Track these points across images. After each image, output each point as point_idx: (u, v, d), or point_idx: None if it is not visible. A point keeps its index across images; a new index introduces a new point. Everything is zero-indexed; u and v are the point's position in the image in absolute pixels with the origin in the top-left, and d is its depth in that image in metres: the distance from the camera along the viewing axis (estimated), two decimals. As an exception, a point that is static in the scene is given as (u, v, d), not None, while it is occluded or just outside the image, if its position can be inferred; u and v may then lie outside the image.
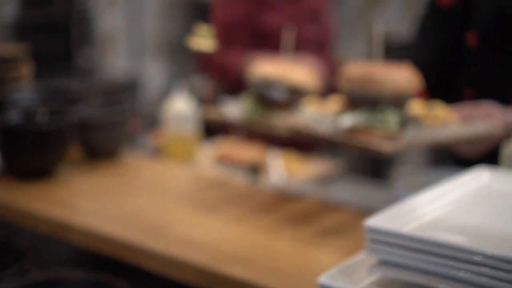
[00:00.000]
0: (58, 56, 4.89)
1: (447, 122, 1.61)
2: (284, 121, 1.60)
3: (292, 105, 1.64)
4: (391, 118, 1.46)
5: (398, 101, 1.49)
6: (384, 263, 1.03)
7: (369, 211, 1.33)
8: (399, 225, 1.03)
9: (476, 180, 1.25)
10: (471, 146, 1.76)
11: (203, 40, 1.63)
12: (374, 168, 4.44)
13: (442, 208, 1.12)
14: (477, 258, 0.93)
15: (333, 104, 1.65)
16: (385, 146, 1.41)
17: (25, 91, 2.19)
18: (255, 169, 2.11)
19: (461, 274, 0.94)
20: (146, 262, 1.42)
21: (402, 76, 1.49)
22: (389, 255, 1.01)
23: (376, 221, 1.03)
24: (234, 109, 1.68)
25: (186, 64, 5.85)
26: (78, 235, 1.54)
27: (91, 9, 5.06)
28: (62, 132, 1.84)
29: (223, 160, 2.23)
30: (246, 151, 2.26)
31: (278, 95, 1.62)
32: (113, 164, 2.00)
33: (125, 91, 4.85)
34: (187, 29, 5.74)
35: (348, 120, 1.47)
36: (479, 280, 0.93)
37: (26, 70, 2.28)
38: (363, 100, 1.48)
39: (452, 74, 2.08)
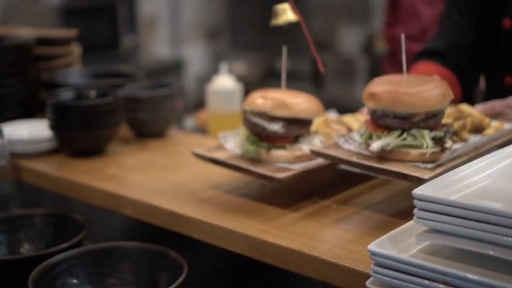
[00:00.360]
0: (104, 40, 4.98)
1: (483, 124, 1.54)
2: (285, 154, 1.50)
3: (292, 137, 1.52)
4: (427, 138, 1.36)
5: (432, 118, 1.38)
6: (432, 231, 1.05)
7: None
8: (447, 194, 1.05)
9: (524, 151, 1.26)
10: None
11: (290, 14, 1.60)
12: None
13: (489, 177, 1.13)
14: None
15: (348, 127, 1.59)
16: (425, 173, 1.30)
17: (75, 72, 2.26)
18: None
19: (509, 240, 0.96)
20: (195, 232, 1.46)
21: (435, 91, 1.37)
22: (437, 223, 1.04)
23: (424, 190, 1.06)
24: (232, 144, 1.58)
25: (226, 46, 5.88)
26: (130, 207, 1.59)
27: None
28: (111, 110, 1.90)
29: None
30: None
31: (274, 127, 1.50)
32: (161, 142, 2.05)
33: (169, 73, 4.91)
34: (226, 13, 5.79)
35: (379, 142, 1.37)
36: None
37: (75, 52, 2.34)
38: (393, 120, 1.37)
39: (489, 61, 2.03)
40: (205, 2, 6.09)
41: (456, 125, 1.52)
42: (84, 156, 1.90)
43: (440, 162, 1.35)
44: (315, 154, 1.44)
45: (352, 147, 1.44)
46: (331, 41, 5.31)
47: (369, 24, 5.51)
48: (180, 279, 1.34)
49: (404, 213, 1.39)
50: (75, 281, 1.46)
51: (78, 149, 1.91)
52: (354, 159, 1.39)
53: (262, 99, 1.50)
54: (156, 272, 1.47)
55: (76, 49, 2.36)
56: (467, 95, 2.10)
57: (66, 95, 1.97)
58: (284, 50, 1.57)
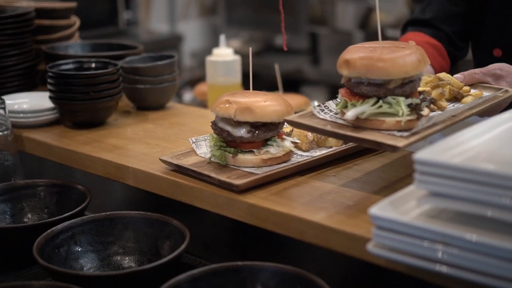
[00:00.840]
0: (103, 17, 4.96)
1: (462, 93, 1.54)
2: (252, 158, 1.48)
3: (260, 142, 1.50)
4: (403, 106, 1.32)
5: (407, 85, 1.35)
6: (433, 194, 1.07)
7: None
8: (447, 158, 1.07)
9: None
10: (490, 113, 1.64)
11: None
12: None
13: (488, 142, 1.15)
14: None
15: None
16: (400, 141, 1.28)
17: (75, 44, 2.27)
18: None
19: (507, 201, 0.98)
20: (197, 201, 1.48)
21: (410, 57, 1.33)
22: (438, 186, 1.05)
23: (424, 154, 1.07)
24: (204, 149, 1.58)
25: (222, 23, 5.87)
26: (132, 177, 1.61)
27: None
28: (112, 80, 1.90)
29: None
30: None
31: (239, 132, 1.48)
32: (161, 113, 2.06)
33: (166, 49, 4.90)
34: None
35: (354, 111, 1.34)
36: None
37: (75, 24, 2.34)
38: (368, 88, 1.34)
39: (478, 32, 2.04)
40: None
41: (434, 93, 1.50)
42: (85, 127, 1.91)
43: (416, 130, 1.33)
44: (290, 123, 1.42)
45: (328, 116, 1.42)
46: (328, 17, 5.29)
47: (366, -1, 5.49)
48: (182, 247, 1.36)
49: (403, 180, 1.41)
50: (78, 248, 1.48)
51: (79, 120, 1.92)
52: (328, 128, 1.36)
53: (227, 104, 1.48)
54: (158, 240, 1.49)
55: (75, 22, 2.36)
56: (455, 65, 2.13)
57: (67, 66, 1.98)
58: (250, 50, 1.55)
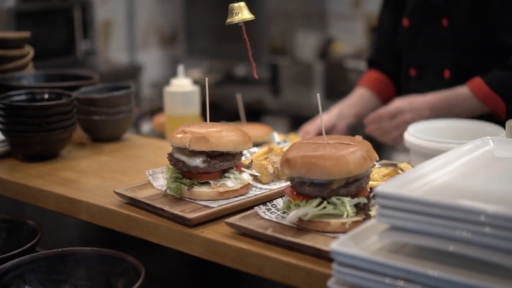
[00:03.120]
0: (60, 46, 4.90)
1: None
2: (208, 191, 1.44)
3: (216, 173, 1.46)
4: (347, 206, 1.25)
5: (353, 184, 1.27)
6: (394, 229, 1.05)
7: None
8: (408, 191, 1.05)
9: (481, 147, 1.27)
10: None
11: (245, 13, 1.55)
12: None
13: (448, 174, 1.14)
14: (481, 218, 0.95)
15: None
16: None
17: (29, 74, 2.21)
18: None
19: (469, 235, 0.96)
20: (152, 236, 1.43)
21: (354, 155, 1.25)
22: (398, 220, 1.03)
23: (385, 187, 1.05)
24: (161, 182, 1.54)
25: (182, 52, 5.85)
26: (85, 211, 1.55)
27: (90, 0, 5.05)
28: (66, 112, 1.85)
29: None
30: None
31: (194, 162, 1.44)
32: (117, 145, 2.02)
33: (125, 79, 4.85)
34: (182, 19, 5.77)
35: (296, 212, 1.27)
36: (483, 240, 0.95)
37: (28, 54, 2.29)
38: (311, 188, 1.27)
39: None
40: (161, 8, 6.04)
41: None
42: (38, 160, 1.85)
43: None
44: (230, 226, 1.33)
45: (273, 216, 1.34)
46: (288, 47, 5.31)
47: (326, 29, 5.54)
48: (137, 284, 1.31)
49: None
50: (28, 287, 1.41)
51: (31, 153, 1.86)
52: (269, 231, 1.27)
53: (182, 134, 1.45)
54: (112, 277, 1.43)
55: (29, 52, 2.31)
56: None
57: (19, 97, 1.92)
58: (206, 81, 1.52)
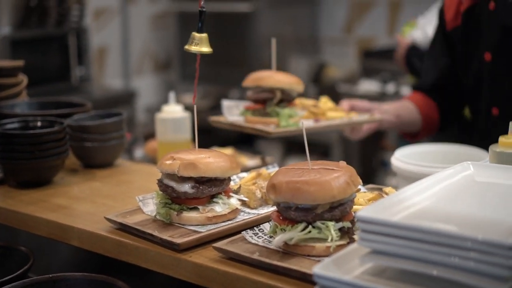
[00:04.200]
0: (55, 73, 4.93)
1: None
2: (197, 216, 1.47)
3: (205, 198, 1.49)
4: (332, 231, 1.27)
5: (337, 208, 1.29)
6: (376, 253, 1.07)
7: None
8: (389, 215, 1.07)
9: (461, 172, 1.30)
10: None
11: (205, 46, 1.59)
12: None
13: (430, 199, 1.16)
14: (468, 244, 0.97)
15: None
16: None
17: (22, 102, 2.24)
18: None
19: (451, 260, 0.98)
20: (142, 261, 1.45)
21: (338, 180, 1.27)
22: (380, 244, 1.06)
23: (366, 211, 1.08)
24: (151, 207, 1.56)
25: (176, 78, 5.90)
26: (77, 237, 1.57)
27: (85, 27, 5.10)
28: (58, 139, 1.88)
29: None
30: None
31: (183, 188, 1.47)
32: (109, 171, 2.04)
33: (120, 105, 4.88)
34: (176, 45, 5.82)
35: (281, 237, 1.29)
36: (468, 264, 0.97)
37: (22, 82, 2.32)
38: (296, 213, 1.29)
39: (475, 95, 2.20)
40: (155, 34, 6.10)
41: None
42: (30, 187, 1.87)
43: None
44: (217, 250, 1.35)
45: (260, 240, 1.36)
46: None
47: (318, 54, 5.59)
48: (128, 309, 1.33)
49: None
50: (19, 313, 1.43)
51: (23, 179, 1.88)
52: (256, 256, 1.29)
53: (171, 160, 1.48)
54: (103, 302, 1.45)
55: (23, 80, 2.34)
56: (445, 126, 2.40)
57: (12, 125, 1.95)
58: (194, 108, 1.57)
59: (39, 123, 1.97)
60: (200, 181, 1.48)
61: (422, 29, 3.47)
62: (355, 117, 2.07)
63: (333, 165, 1.34)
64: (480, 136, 2.15)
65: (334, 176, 1.28)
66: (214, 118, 2.04)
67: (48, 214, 1.66)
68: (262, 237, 1.39)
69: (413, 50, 3.49)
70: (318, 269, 1.08)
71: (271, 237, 1.37)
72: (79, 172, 2.04)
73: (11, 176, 1.89)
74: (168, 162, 1.49)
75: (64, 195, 1.81)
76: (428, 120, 2.33)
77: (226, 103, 2.08)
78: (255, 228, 1.43)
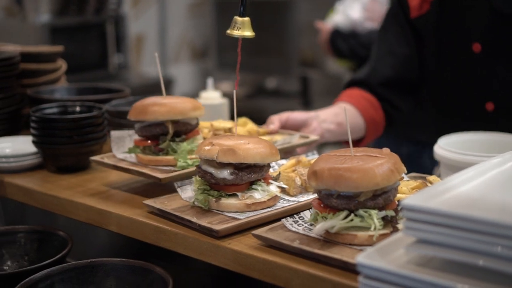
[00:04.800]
0: (93, 60, 4.97)
1: None
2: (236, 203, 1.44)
3: (244, 184, 1.46)
4: (375, 219, 1.24)
5: (380, 196, 1.26)
6: (421, 242, 1.04)
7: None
8: (435, 204, 1.04)
9: (509, 160, 1.25)
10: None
11: (247, 30, 1.54)
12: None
13: (478, 188, 1.12)
14: (514, 233, 0.93)
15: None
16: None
17: (61, 87, 2.25)
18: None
19: (498, 249, 0.95)
20: (181, 248, 1.44)
21: (382, 168, 1.24)
22: (426, 234, 1.02)
23: (412, 199, 1.04)
24: (189, 194, 1.55)
25: (213, 66, 5.89)
26: (115, 223, 1.57)
27: (123, 15, 5.12)
28: (97, 124, 1.88)
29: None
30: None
31: (222, 174, 1.45)
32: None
33: (157, 93, 4.90)
34: (214, 32, 5.80)
35: (322, 225, 1.26)
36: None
37: (61, 68, 2.33)
38: (338, 201, 1.26)
39: (465, 88, 2.01)
40: (192, 22, 6.10)
41: None
42: (69, 171, 1.87)
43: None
44: (257, 237, 1.33)
45: (301, 228, 1.34)
46: (318, 60, 5.32)
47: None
48: (166, 295, 1.32)
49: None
50: (58, 298, 1.43)
51: (62, 164, 1.88)
52: (296, 244, 1.27)
53: (209, 146, 1.46)
54: (141, 288, 1.44)
55: (62, 65, 2.34)
56: (393, 125, 2.18)
57: (51, 110, 1.95)
58: (235, 93, 1.52)
59: (77, 108, 1.97)
60: (239, 168, 1.45)
61: (343, 13, 3.60)
62: (283, 138, 1.83)
63: (376, 152, 1.31)
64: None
65: (378, 163, 1.24)
66: (95, 158, 1.73)
67: (86, 199, 1.66)
68: (302, 225, 1.36)
69: (336, 33, 3.58)
70: (362, 258, 1.05)
71: (311, 225, 1.35)
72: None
73: (50, 161, 1.89)
74: (206, 147, 1.47)
75: (102, 180, 1.81)
76: (372, 123, 2.12)
77: (115, 134, 1.75)
78: (295, 215, 1.40)
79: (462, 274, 1.01)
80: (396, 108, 2.16)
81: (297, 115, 1.96)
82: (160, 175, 1.58)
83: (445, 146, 1.74)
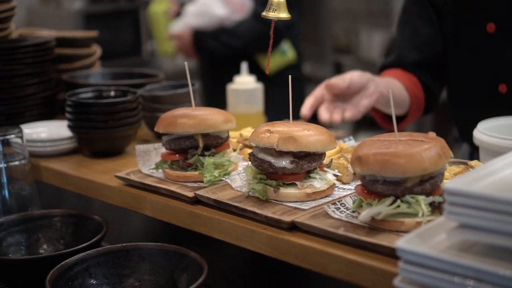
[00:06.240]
0: (127, 47, 4.99)
1: None
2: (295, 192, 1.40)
3: (302, 173, 1.42)
4: (423, 205, 1.21)
5: (428, 182, 1.23)
6: (463, 227, 1.01)
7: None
8: (478, 188, 1.01)
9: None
10: None
11: (283, 11, 1.50)
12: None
13: (522, 171, 1.09)
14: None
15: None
16: None
17: (96, 72, 2.25)
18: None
19: (545, 234, 0.92)
20: (215, 232, 1.43)
21: (429, 152, 1.20)
22: (469, 218, 0.99)
23: (454, 183, 1.01)
24: (239, 183, 1.50)
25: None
26: (150, 207, 1.56)
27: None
28: (131, 108, 1.87)
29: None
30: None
31: (282, 163, 1.40)
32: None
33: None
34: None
35: (368, 211, 1.23)
36: None
37: (95, 53, 2.33)
38: (384, 186, 1.23)
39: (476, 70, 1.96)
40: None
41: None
42: (104, 156, 1.88)
43: None
44: (300, 225, 1.30)
45: (343, 215, 1.31)
46: (352, 46, 5.27)
47: (391, 28, 5.46)
48: (200, 280, 1.31)
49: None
50: (93, 281, 1.43)
51: (97, 149, 1.88)
52: (341, 231, 1.24)
53: (268, 133, 1.39)
54: (175, 272, 1.44)
55: (96, 51, 2.35)
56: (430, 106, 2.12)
57: (86, 94, 1.95)
58: (290, 79, 1.46)
59: (112, 93, 1.97)
60: (299, 156, 1.40)
61: (206, 14, 3.37)
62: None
63: (421, 137, 1.27)
64: (484, 117, 1.75)
65: (425, 148, 1.21)
66: (120, 175, 1.64)
67: (121, 183, 1.66)
68: (345, 212, 1.33)
69: (201, 34, 3.37)
70: (402, 243, 1.03)
71: (354, 211, 1.32)
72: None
73: (85, 146, 1.90)
74: (265, 135, 1.40)
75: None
76: (416, 101, 2.06)
77: (140, 148, 1.67)
78: (336, 202, 1.37)
79: (505, 259, 0.98)
80: (432, 93, 2.11)
81: (357, 79, 1.90)
82: (190, 194, 1.49)
83: (485, 131, 1.70)
